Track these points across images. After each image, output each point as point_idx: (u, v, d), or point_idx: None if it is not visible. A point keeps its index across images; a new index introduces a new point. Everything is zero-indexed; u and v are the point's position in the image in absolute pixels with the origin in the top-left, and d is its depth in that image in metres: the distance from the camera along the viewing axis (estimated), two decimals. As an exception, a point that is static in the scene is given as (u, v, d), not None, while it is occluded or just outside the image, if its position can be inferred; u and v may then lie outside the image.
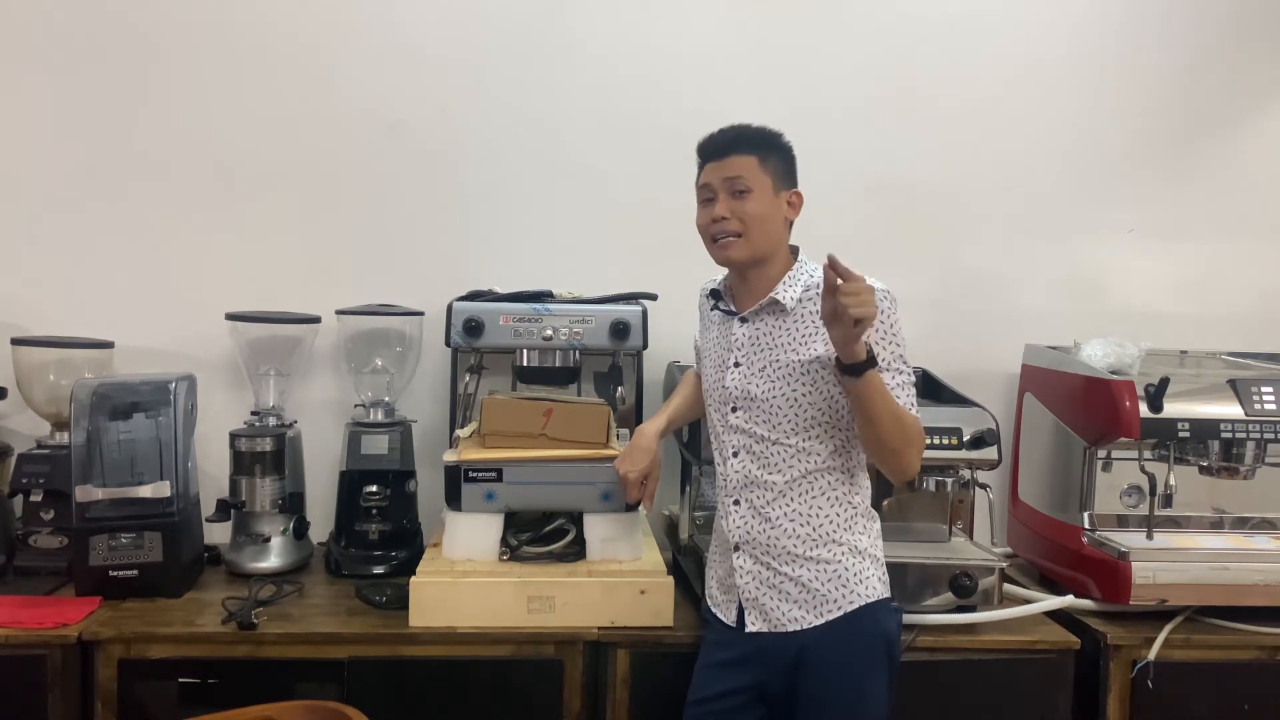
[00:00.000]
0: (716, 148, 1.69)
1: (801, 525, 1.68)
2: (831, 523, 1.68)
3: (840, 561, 1.68)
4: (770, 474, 1.69)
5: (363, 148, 2.51)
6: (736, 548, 1.74)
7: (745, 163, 1.66)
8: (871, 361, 1.52)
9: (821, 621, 1.67)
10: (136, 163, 2.46)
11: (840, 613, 1.67)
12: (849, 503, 1.70)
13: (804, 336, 1.67)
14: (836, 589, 1.67)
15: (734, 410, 1.73)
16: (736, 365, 1.73)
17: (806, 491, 1.68)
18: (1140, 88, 2.65)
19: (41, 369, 2.27)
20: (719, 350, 1.78)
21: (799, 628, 1.67)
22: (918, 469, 1.65)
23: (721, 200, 1.67)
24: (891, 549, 1.76)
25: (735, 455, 1.73)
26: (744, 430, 1.71)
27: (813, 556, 1.68)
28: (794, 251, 1.75)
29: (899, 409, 1.59)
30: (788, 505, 1.69)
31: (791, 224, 1.73)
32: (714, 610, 1.81)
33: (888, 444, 1.59)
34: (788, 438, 1.67)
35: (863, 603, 1.67)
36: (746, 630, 1.72)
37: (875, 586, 1.70)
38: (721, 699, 1.72)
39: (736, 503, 1.74)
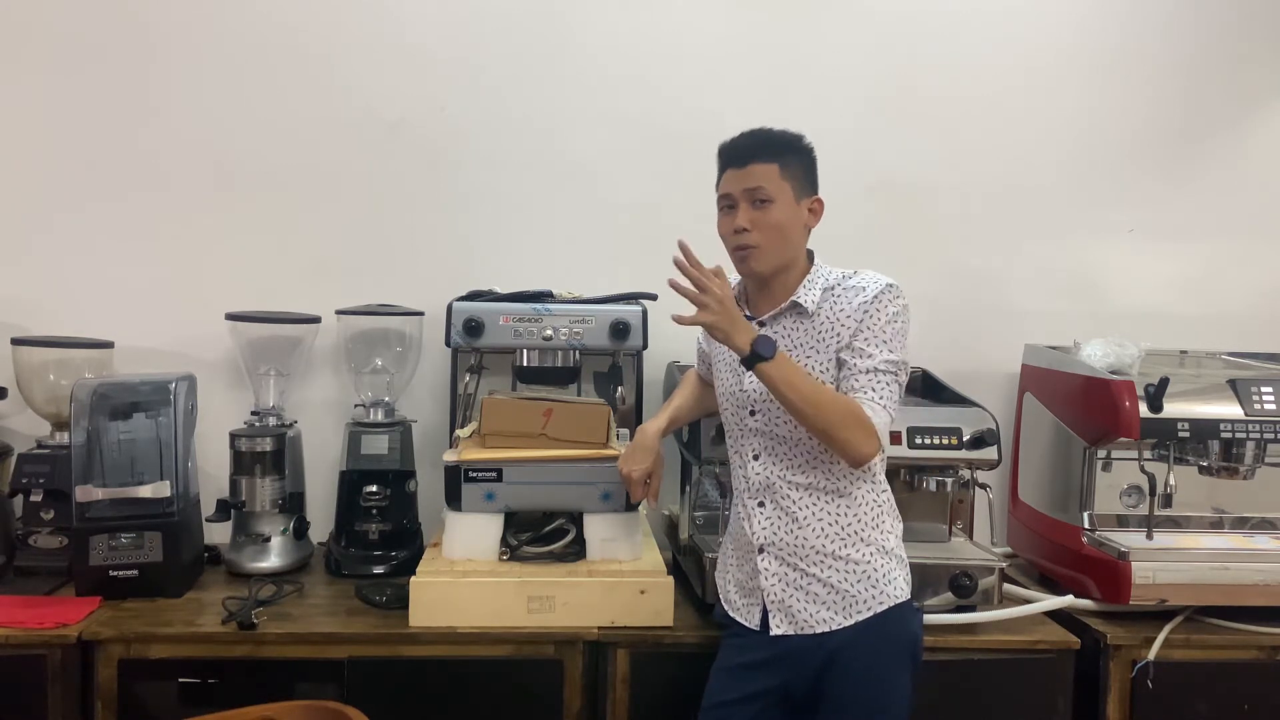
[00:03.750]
0: (738, 154, 1.68)
1: (831, 524, 1.67)
2: (860, 520, 1.68)
3: (870, 561, 1.67)
4: (795, 474, 1.69)
5: (363, 148, 2.51)
6: (761, 550, 1.72)
7: (766, 171, 1.65)
8: (755, 358, 1.54)
9: (851, 622, 1.66)
10: (137, 163, 2.46)
11: (870, 613, 1.66)
12: (874, 501, 1.70)
13: (823, 336, 1.67)
14: (866, 589, 1.66)
15: (752, 413, 1.72)
16: None
17: (833, 490, 1.68)
18: (1140, 88, 2.65)
19: (41, 369, 2.27)
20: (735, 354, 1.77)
21: (828, 629, 1.66)
22: (868, 452, 1.59)
23: (743, 210, 1.66)
24: (892, 549, 1.76)
25: (756, 458, 1.72)
26: (764, 432, 1.71)
27: (843, 555, 1.67)
28: (810, 256, 1.75)
29: (817, 396, 1.57)
30: (815, 504, 1.68)
31: (810, 230, 1.73)
32: (732, 615, 1.79)
33: (811, 427, 1.60)
34: (810, 437, 1.66)
35: (891, 604, 1.67)
36: (771, 634, 1.70)
37: (901, 587, 1.69)
38: (743, 703, 1.70)
39: (761, 504, 1.73)
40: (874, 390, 1.61)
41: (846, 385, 1.63)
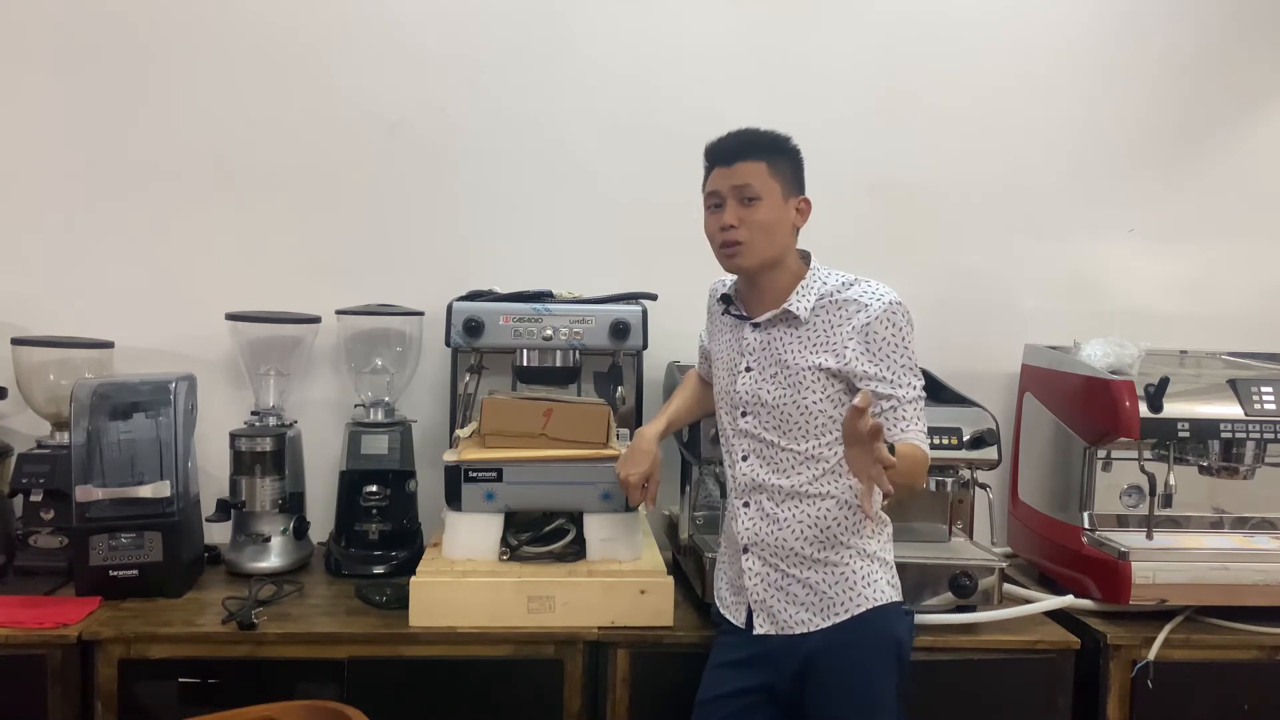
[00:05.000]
0: (725, 153, 1.67)
1: (809, 528, 1.68)
2: (839, 525, 1.68)
3: (848, 564, 1.68)
4: (778, 478, 1.69)
5: (363, 148, 2.51)
6: (745, 549, 1.74)
7: (754, 169, 1.65)
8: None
9: (828, 624, 1.66)
10: (136, 163, 2.46)
11: (847, 615, 1.66)
12: (858, 506, 1.69)
13: (816, 346, 1.66)
14: (843, 592, 1.67)
15: (743, 415, 1.73)
16: (748, 370, 1.72)
17: (815, 495, 1.68)
18: (1140, 88, 2.65)
19: (41, 369, 2.27)
20: (731, 354, 1.77)
21: (806, 630, 1.67)
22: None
23: (730, 208, 1.66)
24: (891, 549, 1.77)
25: (744, 459, 1.73)
26: (753, 435, 1.71)
27: (820, 559, 1.68)
28: (805, 258, 1.74)
29: (914, 462, 1.58)
30: (796, 508, 1.69)
31: (799, 230, 1.72)
32: (724, 612, 1.81)
33: (907, 490, 1.62)
34: (796, 444, 1.67)
35: (870, 606, 1.66)
36: (755, 632, 1.72)
37: (884, 590, 1.69)
38: (730, 699, 1.72)
39: (746, 505, 1.74)
40: (919, 421, 1.64)
41: (892, 418, 1.62)
